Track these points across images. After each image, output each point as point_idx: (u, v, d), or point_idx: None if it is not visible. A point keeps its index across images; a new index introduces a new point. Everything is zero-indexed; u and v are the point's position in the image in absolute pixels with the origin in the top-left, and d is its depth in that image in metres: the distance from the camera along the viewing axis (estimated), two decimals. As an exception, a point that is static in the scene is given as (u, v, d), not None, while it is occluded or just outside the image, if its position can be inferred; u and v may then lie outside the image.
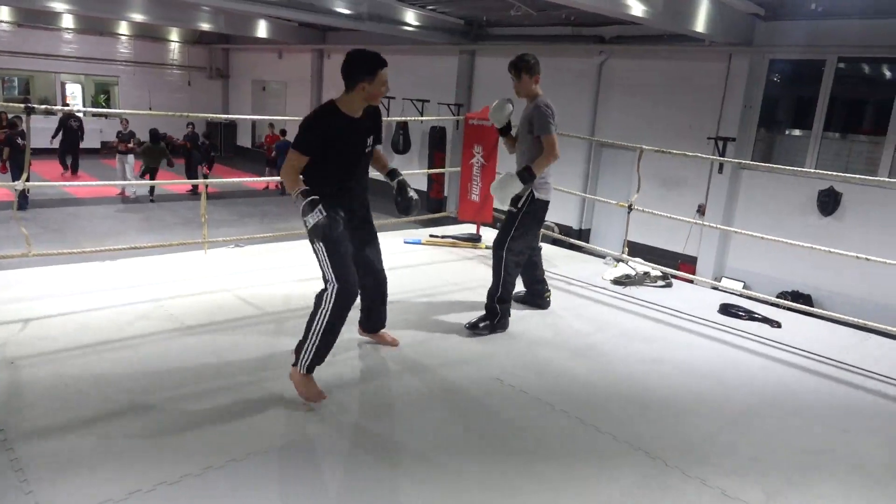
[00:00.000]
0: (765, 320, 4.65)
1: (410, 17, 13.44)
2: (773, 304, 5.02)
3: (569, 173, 12.38)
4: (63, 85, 20.99)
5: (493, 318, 4.06)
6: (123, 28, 20.86)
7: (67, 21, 19.49)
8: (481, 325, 4.04)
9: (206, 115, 14.35)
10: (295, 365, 3.05)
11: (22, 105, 4.15)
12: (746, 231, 5.88)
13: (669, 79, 11.50)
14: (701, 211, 10.94)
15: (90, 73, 21.37)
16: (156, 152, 15.33)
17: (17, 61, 19.66)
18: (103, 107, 21.67)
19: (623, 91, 12.22)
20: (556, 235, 6.56)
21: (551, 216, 10.25)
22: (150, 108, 19.93)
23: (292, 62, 20.36)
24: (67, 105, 20.43)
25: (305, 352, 3.02)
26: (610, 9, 8.32)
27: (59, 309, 3.89)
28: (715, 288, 6.27)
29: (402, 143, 16.36)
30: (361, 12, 12.67)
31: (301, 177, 3.03)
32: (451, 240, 6.31)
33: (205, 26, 16.49)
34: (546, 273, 5.49)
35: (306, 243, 6.03)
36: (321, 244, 3.02)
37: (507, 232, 4.08)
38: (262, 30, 17.18)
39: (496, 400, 3.26)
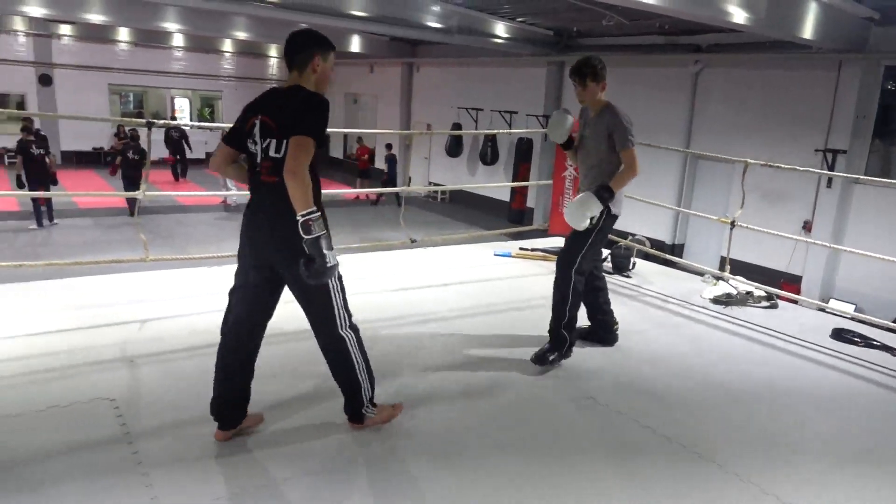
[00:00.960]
0: (885, 348, 4.31)
1: (500, 29, 13.49)
2: (892, 331, 4.65)
3: (661, 186, 12.01)
4: (172, 99, 22.46)
5: (562, 346, 3.68)
6: (227, 45, 22.07)
7: (178, 40, 20.84)
8: (550, 357, 3.64)
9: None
10: (359, 421, 2.82)
11: (143, 120, 4.46)
12: (859, 250, 5.50)
13: (772, 88, 10.97)
14: (807, 227, 10.33)
15: (196, 88, 22.75)
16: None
17: (133, 78, 21.22)
18: (208, 120, 22.99)
19: (721, 101, 11.75)
20: (649, 250, 6.35)
21: (642, 230, 9.99)
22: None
23: (383, 75, 20.88)
24: (175, 118, 21.84)
25: (363, 397, 2.79)
26: (709, 16, 8.03)
27: (171, 311, 4.13)
28: (822, 310, 5.89)
29: (489, 155, 16.41)
30: (451, 26, 12.84)
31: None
32: (541, 253, 6.25)
33: (302, 42, 17.16)
34: (640, 290, 5.37)
35: (397, 253, 6.17)
36: (337, 281, 2.60)
37: (579, 250, 3.64)
38: (355, 44, 17.72)
39: (589, 418, 3.18)
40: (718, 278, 5.49)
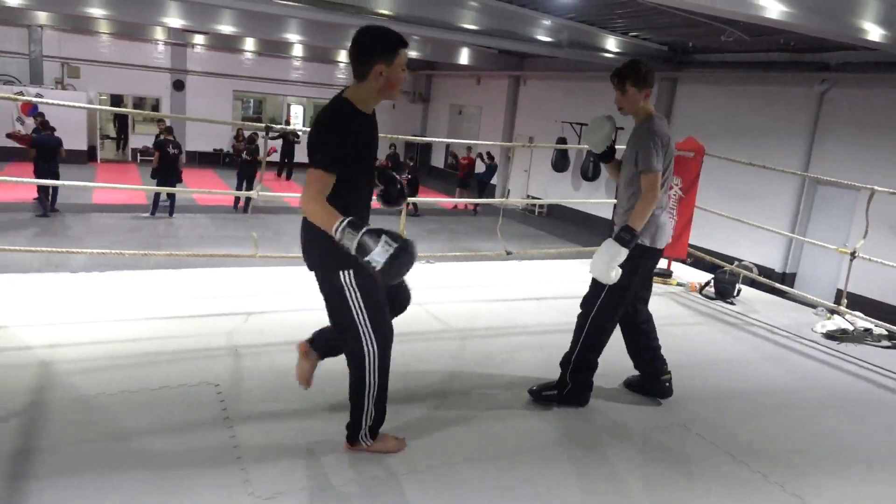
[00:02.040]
0: None
1: (611, 43, 13.26)
2: None
3: (775, 210, 11.35)
4: (289, 106, 23.70)
5: (562, 389, 3.31)
6: (342, 56, 23.03)
7: (297, 50, 21.99)
8: (545, 393, 3.32)
9: (409, 138, 15.45)
10: (351, 443, 2.69)
11: (263, 125, 4.74)
12: None
13: (907, 111, 10.11)
14: (940, 263, 9.41)
15: (311, 96, 23.87)
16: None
17: (254, 85, 22.59)
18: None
19: (848, 123, 10.95)
20: (756, 277, 6.01)
21: (750, 255, 9.44)
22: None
23: (489, 88, 21.04)
24: (289, 123, 23.04)
25: (363, 423, 2.64)
26: (841, 33, 7.54)
27: (275, 306, 4.36)
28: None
29: (591, 171, 16.14)
30: (562, 39, 12.76)
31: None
32: (639, 273, 6.06)
33: (413, 54, 17.66)
34: (744, 318, 5.10)
35: (492, 265, 6.19)
36: (358, 295, 2.45)
37: (600, 289, 3.20)
38: (464, 57, 17.99)
39: (682, 448, 3.05)
40: (833, 312, 5.12)
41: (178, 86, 21.56)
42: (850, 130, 10.90)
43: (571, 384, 3.29)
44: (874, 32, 7.36)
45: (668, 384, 3.45)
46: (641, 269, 3.27)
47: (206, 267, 5.11)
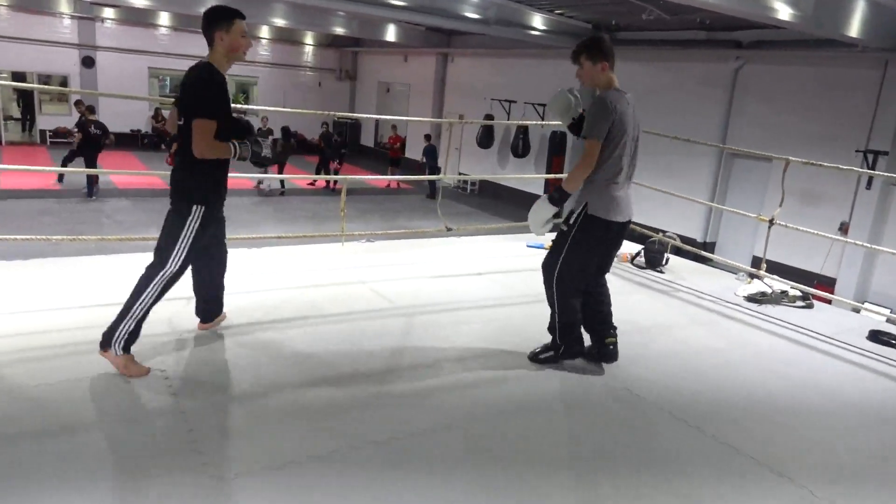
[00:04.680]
0: (922, 351, 4.27)
1: (537, 21, 13.44)
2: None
3: (694, 182, 11.90)
4: (208, 84, 22.80)
5: (557, 350, 3.58)
6: (264, 32, 22.29)
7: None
8: (542, 355, 3.60)
9: (347, 114, 15.09)
10: (104, 348, 3.01)
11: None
12: (900, 253, 5.41)
13: (813, 87, 10.79)
14: (843, 229, 10.16)
15: (232, 74, 23.02)
16: (287, 148, 16.34)
17: (171, 62, 21.53)
18: (243, 104, 23.29)
19: (760, 99, 11.59)
20: (682, 246, 6.33)
21: (672, 226, 9.89)
22: (284, 107, 21.16)
23: (417, 65, 20.93)
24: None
25: (123, 330, 2.98)
26: (754, 13, 7.93)
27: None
28: (857, 310, 5.82)
29: (521, 147, 16.39)
30: (489, 17, 12.82)
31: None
32: (574, 246, 6.26)
33: (338, 30, 17.32)
34: (674, 285, 5.37)
35: (432, 241, 6.24)
36: (191, 229, 3.01)
37: (557, 256, 3.42)
38: (390, 34, 17.79)
39: (624, 410, 3.22)
40: (753, 276, 5.47)
41: (88, 62, 20.34)
42: (762, 106, 11.53)
43: (563, 345, 3.56)
44: (783, 12, 7.78)
45: (612, 348, 3.59)
46: (597, 241, 3.39)
47: (138, 252, 4.91)
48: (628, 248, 6.40)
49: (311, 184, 17.17)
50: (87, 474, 2.35)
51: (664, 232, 6.71)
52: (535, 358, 3.61)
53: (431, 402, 3.12)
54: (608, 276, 3.68)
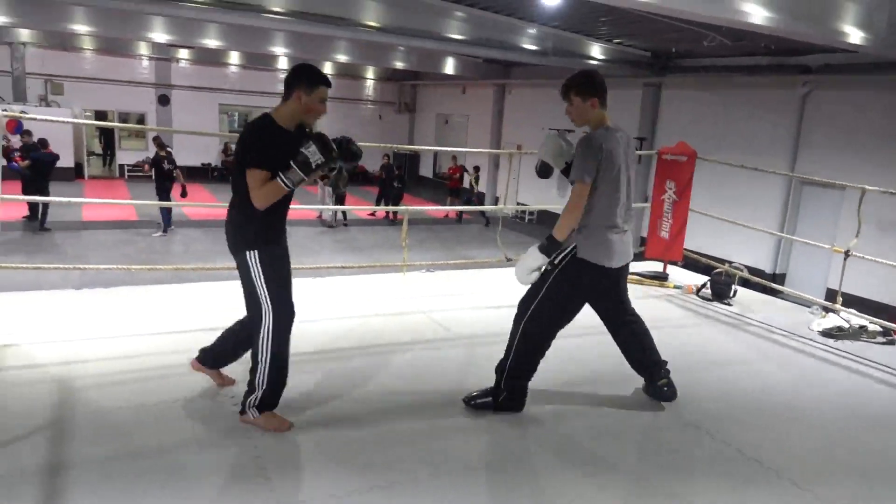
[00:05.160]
0: None
1: (595, 51, 13.46)
2: None
3: (762, 212, 11.53)
4: (274, 119, 23.71)
5: (497, 396, 3.24)
6: (327, 68, 23.08)
7: (282, 63, 22.03)
8: (479, 400, 3.27)
9: (407, 146, 15.48)
10: (242, 412, 2.98)
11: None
12: None
13: (888, 111, 10.35)
14: (925, 260, 9.61)
15: (297, 108, 23.91)
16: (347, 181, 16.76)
17: (240, 98, 22.56)
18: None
19: (831, 125, 11.19)
20: (750, 277, 6.12)
21: (739, 257, 9.55)
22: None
23: (475, 97, 21.20)
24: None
25: (254, 394, 2.93)
26: (822, 37, 7.73)
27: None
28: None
29: (541, 169, 16.27)
30: (547, 47, 12.93)
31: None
32: (636, 277, 6.16)
33: (398, 64, 17.78)
34: (742, 318, 5.20)
35: (493, 271, 6.25)
36: (260, 271, 2.89)
37: (534, 295, 3.17)
38: (449, 66, 18.13)
39: (692, 447, 3.12)
40: (828, 310, 5.23)
41: (164, 100, 21.51)
42: (834, 131, 11.13)
43: (506, 391, 3.24)
44: (854, 35, 7.55)
45: (666, 389, 3.36)
46: (582, 287, 3.16)
47: (210, 280, 5.12)
48: (693, 279, 6.25)
49: (372, 214, 17.47)
50: (156, 496, 2.44)
51: (731, 263, 6.53)
52: (469, 401, 3.28)
53: (493, 434, 3.11)
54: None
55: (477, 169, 18.77)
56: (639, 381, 3.55)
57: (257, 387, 2.93)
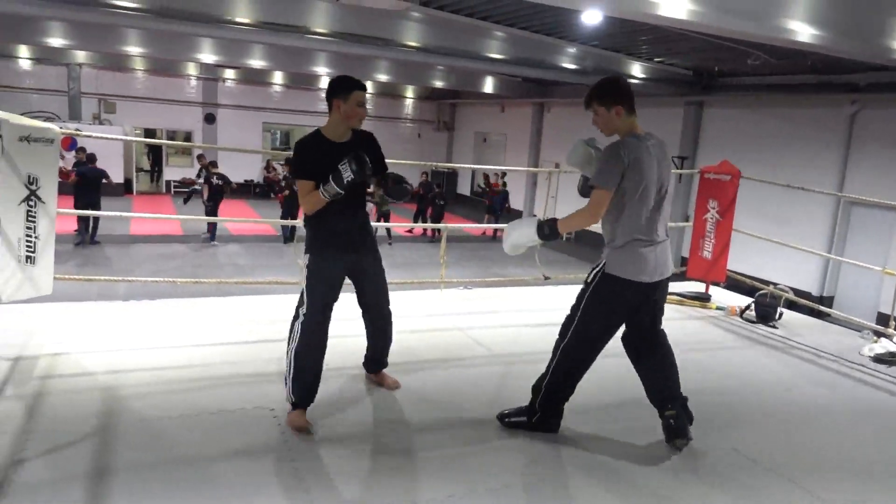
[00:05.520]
0: None
1: (636, 69, 13.36)
2: None
3: (808, 231, 11.23)
4: (315, 137, 24.18)
5: (531, 416, 3.20)
6: (368, 87, 23.43)
7: (323, 82, 22.48)
8: (513, 419, 3.23)
9: (446, 164, 15.50)
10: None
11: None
12: None
13: (943, 130, 10.02)
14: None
15: (337, 127, 24.32)
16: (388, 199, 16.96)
17: (282, 117, 23.08)
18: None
19: (882, 144, 10.87)
20: (797, 300, 5.95)
21: (785, 278, 9.30)
22: (385, 158, 22.05)
23: (513, 115, 21.26)
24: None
25: (287, 389, 3.17)
26: (871, 54, 7.54)
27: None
28: None
29: (582, 188, 16.14)
30: (587, 66, 12.89)
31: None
32: (676, 297, 6.05)
33: (438, 84, 17.96)
34: (789, 342, 5.05)
35: (531, 289, 6.21)
36: (308, 278, 3.16)
37: (573, 316, 3.10)
38: (488, 85, 18.23)
39: (736, 472, 3.03)
40: (880, 335, 5.05)
41: (210, 119, 22.13)
42: (885, 151, 10.80)
43: (540, 412, 3.18)
44: (906, 53, 7.33)
45: (672, 422, 3.10)
46: (616, 304, 3.04)
47: (251, 294, 5.22)
48: (737, 300, 6.11)
49: (409, 231, 17.61)
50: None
51: (775, 284, 6.36)
52: (503, 419, 3.24)
53: (530, 452, 3.07)
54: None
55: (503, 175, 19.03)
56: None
57: (285, 382, 3.17)
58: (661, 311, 3.25)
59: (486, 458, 2.99)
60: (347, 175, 2.96)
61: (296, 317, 3.18)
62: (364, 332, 3.58)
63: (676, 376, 3.20)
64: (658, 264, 3.03)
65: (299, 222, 5.13)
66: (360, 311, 3.47)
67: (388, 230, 16.54)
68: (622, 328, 3.21)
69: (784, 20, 6.59)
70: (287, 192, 15.34)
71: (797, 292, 10.40)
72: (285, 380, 3.16)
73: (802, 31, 6.77)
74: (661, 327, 3.26)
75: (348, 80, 3.15)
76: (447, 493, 2.66)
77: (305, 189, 3.08)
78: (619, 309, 3.07)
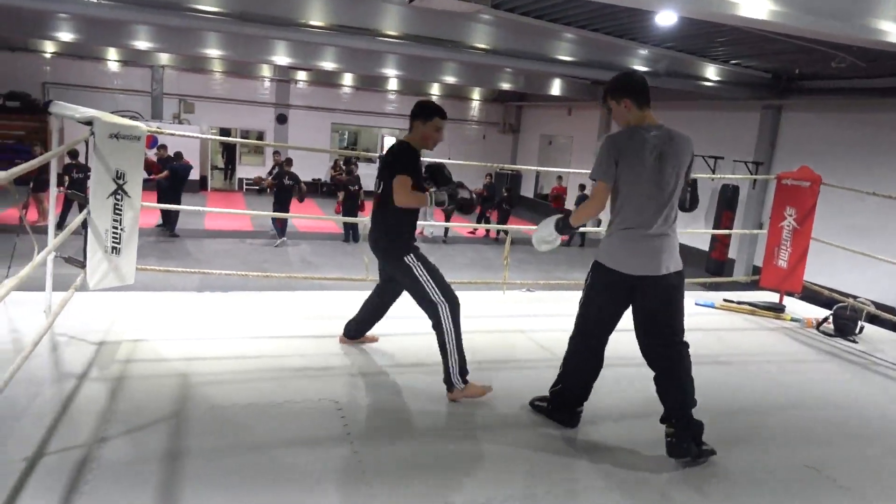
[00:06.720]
0: None
1: (711, 72, 12.97)
2: None
3: (893, 243, 10.59)
4: (382, 138, 24.52)
5: (548, 402, 3.36)
6: (435, 89, 23.64)
7: (392, 84, 22.82)
8: (537, 403, 3.41)
9: (510, 166, 15.53)
10: (450, 390, 3.42)
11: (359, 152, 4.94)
12: None
13: None
14: None
15: (404, 128, 24.60)
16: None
17: (351, 118, 23.54)
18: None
19: (979, 151, 10.16)
20: (879, 313, 5.63)
21: (867, 291, 8.82)
22: (449, 159, 22.15)
23: (580, 118, 20.98)
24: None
25: (452, 365, 3.39)
26: (971, 56, 7.05)
27: (387, 329, 4.45)
28: None
29: (688, 201, 15.62)
30: (659, 69, 12.60)
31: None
32: (748, 307, 5.83)
33: (505, 86, 17.93)
34: (870, 358, 4.79)
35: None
36: (419, 263, 3.46)
37: (578, 312, 3.26)
38: (555, 88, 18.08)
39: (815, 492, 2.89)
40: (973, 355, 4.72)
41: (282, 119, 22.79)
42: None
43: (552, 403, 3.33)
44: None
45: (670, 439, 2.96)
46: (601, 292, 3.08)
47: (317, 290, 5.35)
48: (813, 312, 5.84)
49: (472, 232, 17.64)
50: (258, 491, 2.55)
51: (856, 297, 6.04)
52: (532, 402, 3.46)
53: (589, 458, 3.03)
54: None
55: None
56: (720, 416, 3.36)
57: (451, 365, 3.39)
58: (673, 313, 3.06)
59: (553, 461, 2.96)
60: (441, 199, 3.50)
61: (439, 318, 3.41)
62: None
63: (680, 394, 3.02)
64: (650, 258, 2.94)
65: (364, 219, 5.25)
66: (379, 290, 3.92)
67: (445, 230, 16.62)
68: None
69: (873, 20, 6.26)
70: (343, 195, 15.65)
71: (879, 306, 9.85)
72: (451, 364, 3.37)
73: (893, 32, 6.42)
74: (680, 339, 3.07)
75: (431, 107, 3.55)
76: (506, 493, 2.66)
77: (406, 183, 3.35)
78: (605, 297, 3.08)
